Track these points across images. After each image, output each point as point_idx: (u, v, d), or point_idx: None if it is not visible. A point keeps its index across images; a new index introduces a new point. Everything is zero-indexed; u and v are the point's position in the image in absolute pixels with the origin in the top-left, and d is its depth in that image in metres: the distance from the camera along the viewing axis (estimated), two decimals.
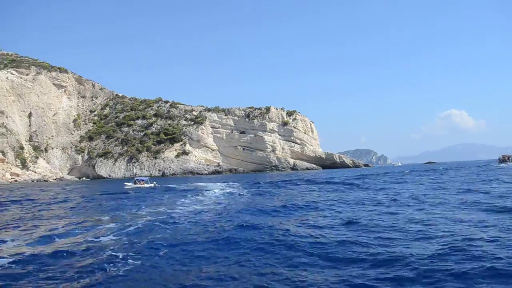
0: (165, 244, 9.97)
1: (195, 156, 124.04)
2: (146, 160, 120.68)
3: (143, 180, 50.84)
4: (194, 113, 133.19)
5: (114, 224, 13.85)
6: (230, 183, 41.65)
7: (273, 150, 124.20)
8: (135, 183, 49.15)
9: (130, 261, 8.49)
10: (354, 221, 12.76)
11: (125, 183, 47.55)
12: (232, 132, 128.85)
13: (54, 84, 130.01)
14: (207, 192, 29.01)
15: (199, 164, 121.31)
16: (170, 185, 46.01)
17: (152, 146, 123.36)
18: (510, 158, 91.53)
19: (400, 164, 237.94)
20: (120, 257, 8.80)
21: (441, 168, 77.05)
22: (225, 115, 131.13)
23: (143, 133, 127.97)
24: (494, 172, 43.58)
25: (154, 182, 49.91)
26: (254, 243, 9.91)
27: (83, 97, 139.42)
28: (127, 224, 13.46)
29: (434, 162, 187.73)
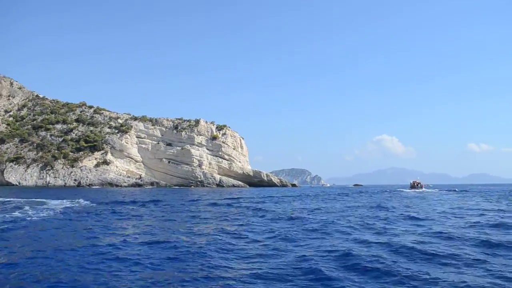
0: None
1: (117, 167, 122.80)
2: (62, 168, 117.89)
3: None
4: (120, 121, 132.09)
5: None
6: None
7: (200, 165, 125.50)
8: None
9: None
10: None
11: None
12: (158, 143, 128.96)
13: None
14: None
15: (120, 175, 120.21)
16: None
17: (70, 153, 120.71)
18: (419, 184, 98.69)
19: (328, 185, 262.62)
20: None
21: (350, 192, 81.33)
22: (152, 125, 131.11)
23: (62, 138, 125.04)
24: (382, 199, 46.00)
25: None
26: None
27: None
28: None
29: (361, 185, 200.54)
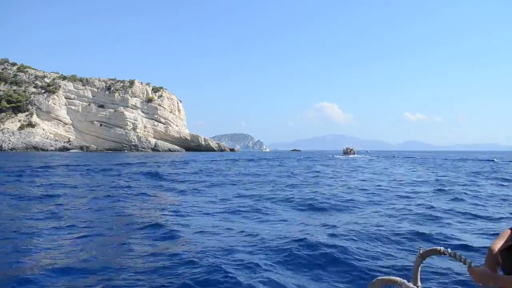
0: None
1: (43, 130, 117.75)
2: None
3: None
4: (47, 80, 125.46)
5: None
6: None
7: (134, 128, 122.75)
8: None
9: None
10: None
11: None
12: (89, 105, 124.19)
13: None
14: None
15: (46, 139, 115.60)
16: None
17: None
18: (352, 151, 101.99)
19: (268, 150, 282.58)
20: None
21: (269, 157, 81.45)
22: (83, 85, 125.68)
23: None
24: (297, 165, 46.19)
25: None
26: None
27: None
28: None
29: (299, 150, 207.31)
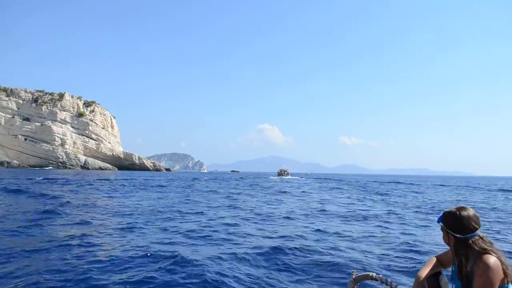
0: None
1: None
2: None
3: None
4: None
5: None
6: None
7: (62, 144, 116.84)
8: None
9: None
10: None
11: None
12: (13, 117, 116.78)
13: None
14: None
15: None
16: None
17: None
18: (286, 172, 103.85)
19: (206, 170, 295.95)
20: None
21: (205, 178, 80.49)
22: (7, 96, 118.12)
23: None
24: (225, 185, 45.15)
25: None
26: None
27: None
28: None
29: (237, 171, 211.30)
